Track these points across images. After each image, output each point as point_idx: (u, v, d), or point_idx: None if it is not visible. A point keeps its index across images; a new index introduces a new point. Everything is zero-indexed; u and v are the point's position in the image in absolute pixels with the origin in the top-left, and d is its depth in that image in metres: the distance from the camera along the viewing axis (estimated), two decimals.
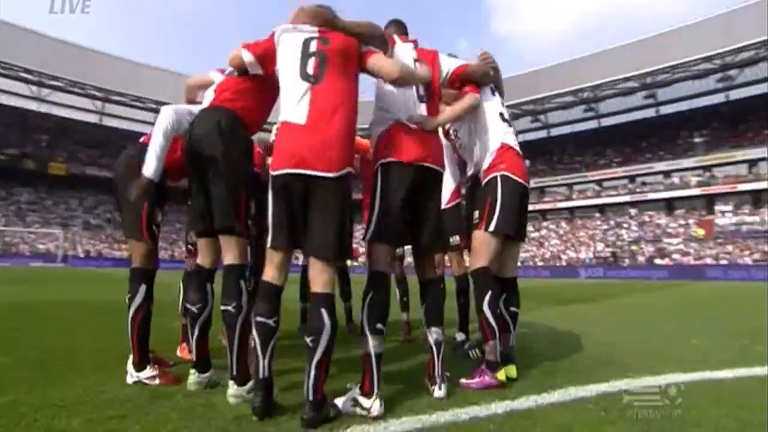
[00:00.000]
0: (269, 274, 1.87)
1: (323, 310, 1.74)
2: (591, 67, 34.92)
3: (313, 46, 1.90)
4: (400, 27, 2.50)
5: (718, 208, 33.27)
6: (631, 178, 37.45)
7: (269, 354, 1.78)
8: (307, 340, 1.74)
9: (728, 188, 32.75)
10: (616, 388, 2.24)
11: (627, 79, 35.83)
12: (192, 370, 2.13)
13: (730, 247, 28.52)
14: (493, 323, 2.27)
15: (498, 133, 2.51)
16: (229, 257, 2.06)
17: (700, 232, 31.09)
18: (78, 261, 31.41)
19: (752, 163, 32.97)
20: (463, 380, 2.27)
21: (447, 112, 2.36)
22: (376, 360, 1.86)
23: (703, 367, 2.70)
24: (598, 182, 38.90)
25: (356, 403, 1.83)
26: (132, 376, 2.20)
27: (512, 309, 2.52)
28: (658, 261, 28.21)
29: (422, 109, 2.21)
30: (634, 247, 31.03)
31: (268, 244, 1.87)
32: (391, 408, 1.88)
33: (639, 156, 37.61)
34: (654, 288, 13.76)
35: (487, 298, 2.29)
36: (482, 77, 2.50)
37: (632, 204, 36.23)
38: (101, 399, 1.95)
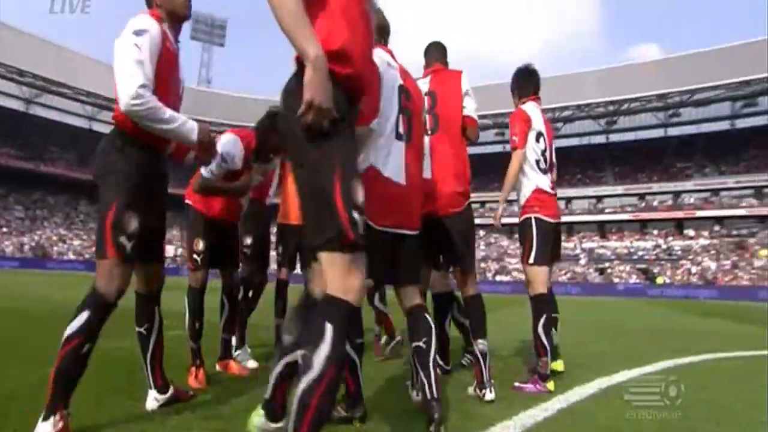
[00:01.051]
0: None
1: (426, 315, 1.95)
2: None
3: (402, 100, 1.93)
4: (439, 52, 2.65)
5: None
6: (482, 203, 43.31)
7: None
8: (420, 343, 1.86)
9: None
10: (606, 384, 2.81)
11: (482, 117, 41.61)
12: (261, 411, 1.60)
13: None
14: (546, 343, 2.61)
15: (532, 181, 2.84)
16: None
17: None
18: None
19: (568, 200, 41.68)
20: (516, 383, 2.62)
21: (505, 186, 2.81)
22: (483, 357, 2.35)
23: (634, 365, 3.45)
24: None
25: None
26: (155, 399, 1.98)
27: (553, 315, 2.88)
28: (500, 278, 32.98)
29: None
30: (483, 265, 35.73)
31: None
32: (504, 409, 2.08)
33: (488, 184, 43.71)
34: (506, 302, 15.87)
35: (542, 321, 2.64)
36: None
37: (482, 226, 41.78)
38: None
